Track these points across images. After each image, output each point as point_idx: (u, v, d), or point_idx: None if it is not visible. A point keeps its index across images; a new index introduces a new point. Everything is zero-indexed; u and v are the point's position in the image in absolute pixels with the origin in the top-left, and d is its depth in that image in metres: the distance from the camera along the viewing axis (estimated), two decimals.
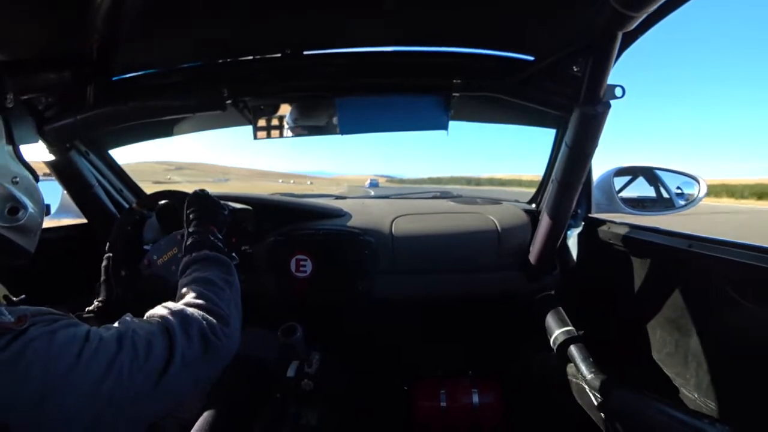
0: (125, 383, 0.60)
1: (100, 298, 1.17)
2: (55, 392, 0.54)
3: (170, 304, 0.77)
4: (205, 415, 1.08)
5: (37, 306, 0.65)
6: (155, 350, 0.65)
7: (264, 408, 1.26)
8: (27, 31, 1.05)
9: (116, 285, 1.19)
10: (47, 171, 1.52)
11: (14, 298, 0.76)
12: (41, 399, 0.53)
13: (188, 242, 0.98)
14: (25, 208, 0.71)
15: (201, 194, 1.10)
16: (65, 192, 1.63)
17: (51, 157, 1.45)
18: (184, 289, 0.84)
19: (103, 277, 1.20)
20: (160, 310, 0.75)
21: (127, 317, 0.71)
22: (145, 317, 0.74)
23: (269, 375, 1.32)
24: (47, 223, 1.71)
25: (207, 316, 0.75)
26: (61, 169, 1.52)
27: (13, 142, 0.72)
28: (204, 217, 1.04)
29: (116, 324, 0.68)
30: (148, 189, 1.76)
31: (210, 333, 0.73)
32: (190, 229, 1.01)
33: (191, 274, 0.88)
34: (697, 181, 1.64)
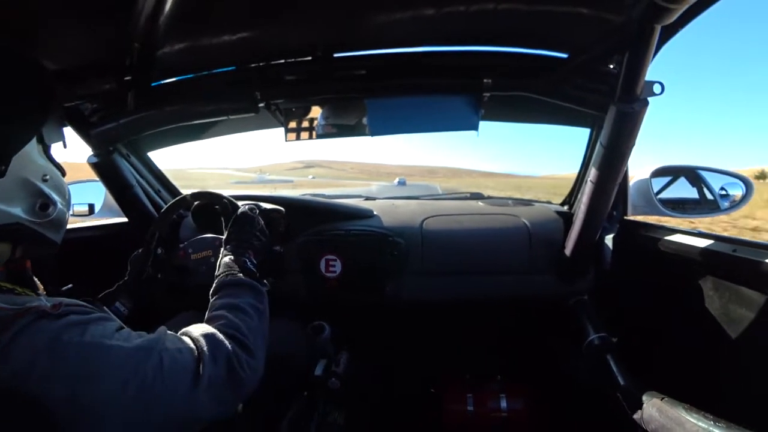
0: (148, 392, 0.61)
1: (130, 272, 1.19)
2: (87, 381, 0.56)
3: (203, 326, 0.79)
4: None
5: (78, 298, 0.68)
6: (180, 367, 0.67)
7: (291, 405, 1.29)
8: (74, 41, 1.11)
9: (151, 262, 1.23)
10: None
11: (62, 288, 0.81)
12: (74, 386, 0.55)
13: (224, 260, 0.99)
14: (55, 204, 0.75)
15: (249, 215, 1.11)
16: (108, 192, 1.72)
17: (96, 160, 1.53)
18: (216, 312, 0.85)
19: (141, 250, 1.22)
20: (193, 329, 0.77)
21: (162, 330, 0.73)
22: (178, 334, 0.75)
23: (297, 373, 1.34)
24: (91, 221, 1.82)
25: (235, 345, 0.77)
26: (105, 171, 1.60)
27: (42, 141, 0.76)
28: (244, 241, 1.05)
29: (150, 334, 0.70)
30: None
31: (236, 363, 0.74)
32: (228, 248, 1.03)
33: (223, 298, 0.89)
34: (744, 181, 1.55)
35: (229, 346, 0.75)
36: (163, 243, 1.27)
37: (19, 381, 0.53)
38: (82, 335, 0.59)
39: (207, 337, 0.74)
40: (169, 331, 0.73)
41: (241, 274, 0.95)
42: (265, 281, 0.99)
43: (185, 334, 0.76)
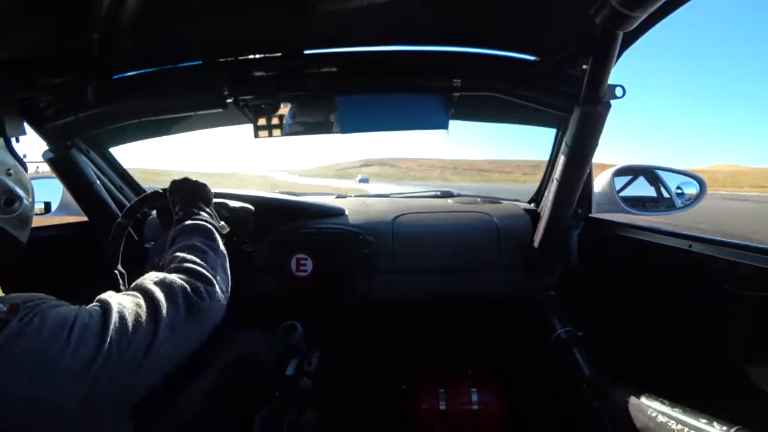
0: (115, 360, 0.61)
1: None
2: (48, 377, 0.56)
3: (152, 274, 0.78)
4: (204, 414, 1.08)
5: None
6: (142, 321, 0.66)
7: (263, 406, 1.27)
8: (29, 30, 1.04)
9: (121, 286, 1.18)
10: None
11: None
12: (34, 384, 0.55)
13: (174, 221, 0.98)
14: (21, 199, 0.73)
15: (179, 180, 1.10)
16: (66, 190, 1.64)
17: (52, 155, 1.45)
18: (168, 258, 0.85)
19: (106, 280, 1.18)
20: (142, 281, 0.76)
21: (110, 293, 0.71)
22: (129, 288, 0.75)
23: (268, 373, 1.32)
24: (47, 220, 1.73)
25: (188, 278, 0.77)
26: (62, 167, 1.52)
27: (4, 134, 0.74)
28: (186, 196, 1.04)
29: (101, 299, 0.69)
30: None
31: (192, 294, 0.74)
32: (176, 209, 1.02)
33: (175, 245, 0.89)
34: (698, 181, 1.64)
35: (184, 282, 0.75)
36: (125, 277, 1.21)
37: None
38: (39, 331, 0.58)
39: (158, 283, 0.74)
40: (117, 293, 0.72)
41: (188, 221, 0.94)
42: (222, 223, 0.99)
43: (137, 287, 0.74)
